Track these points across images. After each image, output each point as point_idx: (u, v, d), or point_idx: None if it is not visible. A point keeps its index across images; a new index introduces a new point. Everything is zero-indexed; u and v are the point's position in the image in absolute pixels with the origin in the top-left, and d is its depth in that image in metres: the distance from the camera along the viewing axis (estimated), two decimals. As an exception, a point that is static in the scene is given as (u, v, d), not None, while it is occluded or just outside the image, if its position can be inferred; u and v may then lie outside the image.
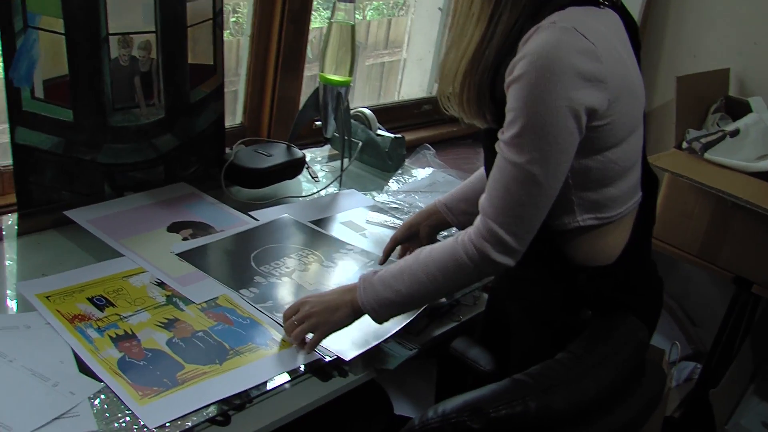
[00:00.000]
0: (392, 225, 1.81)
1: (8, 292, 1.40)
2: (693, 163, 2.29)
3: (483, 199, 1.18)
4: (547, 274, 1.30)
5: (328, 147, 2.20)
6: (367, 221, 1.82)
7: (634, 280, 1.30)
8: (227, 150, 1.92)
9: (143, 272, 1.44)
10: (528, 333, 1.34)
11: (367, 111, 2.14)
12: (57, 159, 1.61)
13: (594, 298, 1.26)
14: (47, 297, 1.32)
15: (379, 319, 1.28)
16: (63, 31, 1.54)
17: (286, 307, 1.34)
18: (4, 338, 1.20)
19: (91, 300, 1.33)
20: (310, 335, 1.30)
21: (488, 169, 1.22)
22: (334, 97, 1.87)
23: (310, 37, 2.13)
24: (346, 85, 1.88)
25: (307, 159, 1.99)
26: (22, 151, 1.56)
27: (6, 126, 1.54)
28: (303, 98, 2.14)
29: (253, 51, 2.03)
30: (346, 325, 1.29)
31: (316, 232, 1.72)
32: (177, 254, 1.53)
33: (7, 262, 1.51)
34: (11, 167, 1.59)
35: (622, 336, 1.22)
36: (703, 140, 2.31)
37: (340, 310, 1.28)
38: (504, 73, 1.13)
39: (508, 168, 1.13)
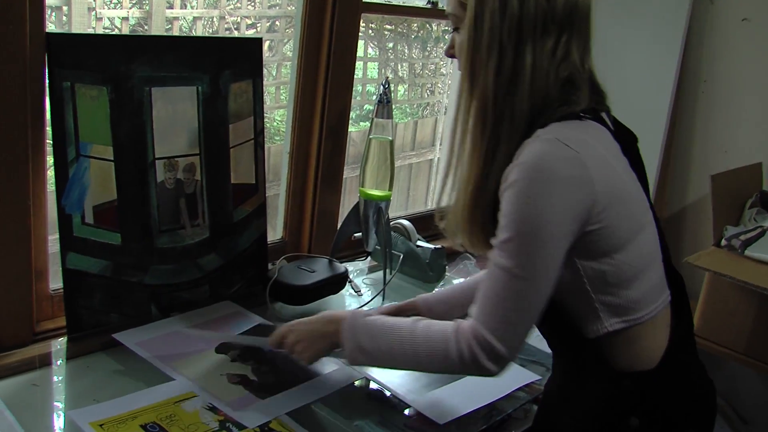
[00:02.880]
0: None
1: (58, 418, 1.41)
2: (733, 261, 2.29)
3: (475, 309, 1.20)
4: (593, 382, 1.28)
5: (368, 259, 2.22)
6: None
7: (682, 384, 1.28)
8: (270, 266, 1.94)
9: (194, 396, 1.44)
10: None
11: (406, 223, 2.16)
12: (105, 282, 1.63)
13: (640, 404, 1.24)
14: (101, 425, 1.32)
15: (352, 363, 1.34)
16: (112, 158, 1.59)
17: None
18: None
19: (144, 427, 1.32)
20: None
21: None
22: (375, 211, 1.90)
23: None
24: (387, 200, 1.90)
25: (349, 272, 2.00)
26: (72, 275, 1.58)
27: (56, 250, 1.58)
28: (342, 209, 2.17)
29: (292, 167, 2.07)
30: (327, 355, 1.40)
31: None
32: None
33: (57, 387, 1.52)
34: (61, 291, 1.61)
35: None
36: (742, 237, 2.31)
37: (324, 341, 1.37)
38: None
39: (497, 273, 1.16)
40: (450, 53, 1.28)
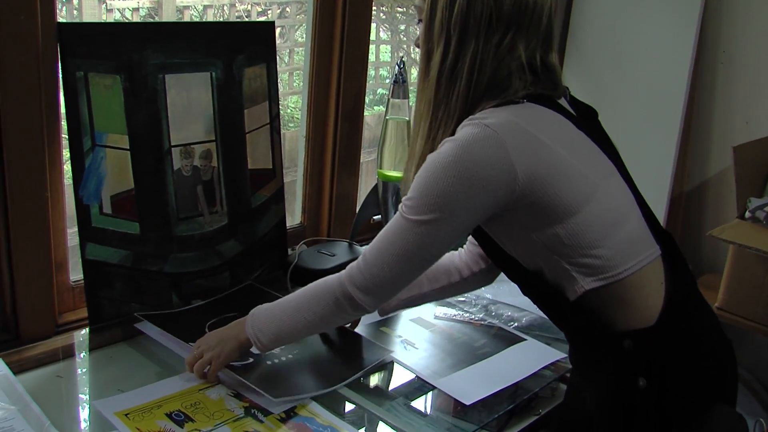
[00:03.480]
0: (461, 319, 1.79)
1: (85, 410, 1.40)
2: (758, 233, 2.25)
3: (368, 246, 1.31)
4: (597, 346, 1.30)
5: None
6: (435, 317, 1.80)
7: (688, 342, 1.27)
8: (289, 251, 1.93)
9: (219, 384, 1.43)
10: (604, 419, 1.30)
11: (424, 203, 2.14)
12: (125, 272, 1.62)
13: (645, 364, 1.24)
14: (126, 415, 1.31)
15: (261, 349, 1.41)
16: (128, 147, 1.58)
17: None
18: (86, 460, 1.19)
19: (169, 416, 1.32)
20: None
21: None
22: (393, 193, 1.88)
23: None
24: (405, 180, 1.89)
25: (369, 255, 1.98)
26: (92, 266, 1.58)
27: (76, 242, 1.57)
28: (360, 193, 2.16)
29: (309, 152, 2.05)
30: (236, 357, 1.43)
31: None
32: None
33: (81, 378, 1.52)
34: (82, 282, 1.61)
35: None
36: (767, 209, 2.27)
37: (229, 343, 1.41)
38: None
39: (397, 217, 1.26)
40: (416, 43, 1.37)
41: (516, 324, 1.78)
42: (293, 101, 3.90)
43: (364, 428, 1.38)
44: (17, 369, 1.44)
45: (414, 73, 3.59)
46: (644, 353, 1.24)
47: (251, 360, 1.49)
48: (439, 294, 1.62)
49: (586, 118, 1.35)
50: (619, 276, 1.23)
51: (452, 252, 1.61)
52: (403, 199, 1.26)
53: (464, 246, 1.60)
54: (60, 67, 1.49)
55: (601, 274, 1.23)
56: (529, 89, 1.25)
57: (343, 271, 1.34)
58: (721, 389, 1.30)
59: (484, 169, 1.17)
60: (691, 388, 1.26)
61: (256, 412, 1.35)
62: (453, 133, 1.23)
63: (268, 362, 1.50)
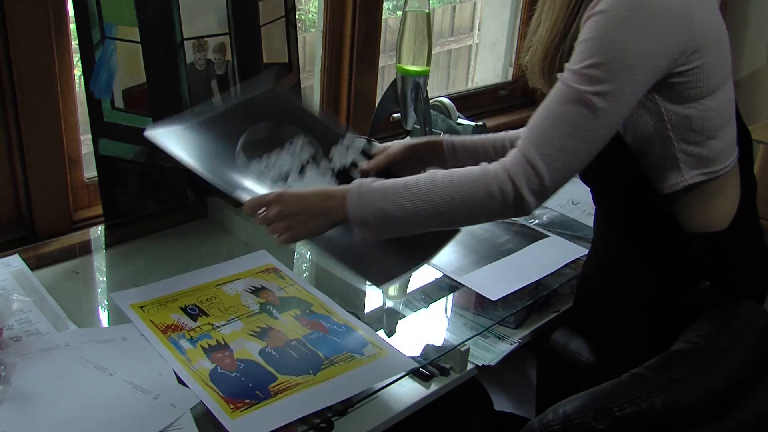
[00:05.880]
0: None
1: (102, 304, 1.40)
2: (790, 133, 2.19)
3: (527, 129, 1.08)
4: (658, 249, 1.23)
5: (408, 139, 2.15)
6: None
7: (748, 246, 1.24)
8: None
9: (237, 279, 1.41)
10: (641, 319, 1.27)
11: (446, 100, 2.08)
12: (140, 168, 1.60)
13: (711, 267, 1.19)
14: (141, 307, 1.31)
15: (366, 235, 1.11)
16: (139, 40, 1.54)
17: None
18: (103, 351, 1.19)
19: (184, 309, 1.31)
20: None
21: None
22: (413, 88, 1.83)
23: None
24: (425, 75, 1.83)
25: (388, 153, 1.94)
26: (105, 162, 1.56)
27: (89, 137, 1.55)
28: (379, 90, 2.10)
29: (326, 47, 1.99)
30: (320, 234, 1.15)
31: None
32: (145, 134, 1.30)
33: (98, 274, 1.51)
34: (96, 179, 1.59)
35: (744, 322, 1.15)
36: (800, 108, 2.20)
37: (317, 218, 1.13)
38: None
39: (567, 94, 1.05)
40: None
41: (536, 221, 1.74)
42: (314, 5, 3.79)
43: (382, 327, 1.37)
44: (34, 265, 1.44)
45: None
46: (712, 256, 1.19)
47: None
48: None
49: None
50: (719, 173, 1.16)
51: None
52: (574, 65, 1.06)
53: None
54: (65, -45, 1.44)
55: (707, 168, 1.15)
56: None
57: (498, 163, 1.09)
58: (762, 293, 1.28)
59: (668, 25, 1.03)
60: (748, 291, 1.23)
61: (271, 308, 1.34)
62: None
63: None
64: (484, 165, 1.09)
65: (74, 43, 1.52)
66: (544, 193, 1.07)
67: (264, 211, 1.13)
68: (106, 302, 1.40)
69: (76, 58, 1.54)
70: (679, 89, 1.10)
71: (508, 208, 1.07)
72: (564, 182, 1.08)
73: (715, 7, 1.12)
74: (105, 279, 1.51)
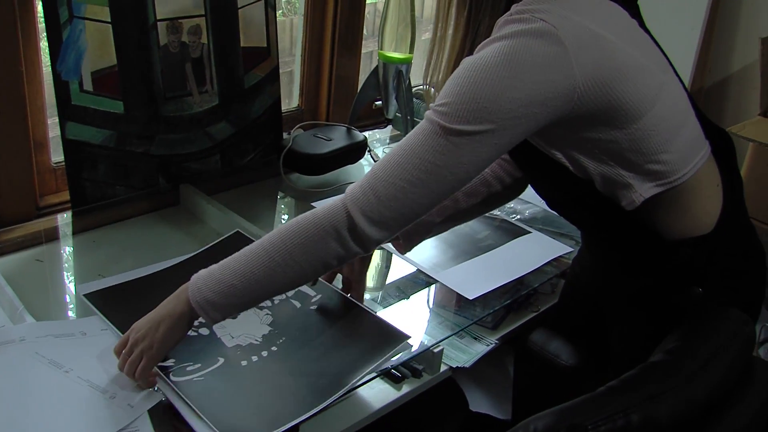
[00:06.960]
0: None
1: (65, 294, 1.35)
2: (781, 131, 2.14)
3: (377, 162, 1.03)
4: (652, 257, 1.19)
5: (389, 128, 2.11)
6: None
7: (739, 246, 1.20)
8: (285, 135, 1.84)
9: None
10: (634, 323, 1.23)
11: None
12: (109, 153, 1.54)
13: (703, 271, 1.16)
14: (103, 300, 1.26)
15: (215, 316, 1.04)
16: (109, 20, 1.48)
17: None
18: (60, 347, 1.14)
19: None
20: None
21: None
22: (394, 75, 1.78)
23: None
24: (407, 63, 1.78)
25: (369, 141, 1.89)
26: (73, 146, 1.50)
27: (56, 120, 1.49)
28: (361, 77, 2.04)
29: (307, 31, 1.94)
30: (177, 339, 1.07)
31: None
32: (84, 296, 1.27)
33: (63, 262, 1.46)
34: (63, 164, 1.53)
35: (727, 332, 1.10)
36: (792, 105, 2.16)
37: (165, 323, 1.06)
38: None
39: (425, 127, 0.99)
40: None
41: (518, 216, 1.70)
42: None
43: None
44: (-5, 252, 1.39)
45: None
46: (702, 261, 1.15)
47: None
48: (480, 208, 1.40)
49: (629, 4, 1.15)
50: (681, 179, 1.11)
51: None
52: (435, 104, 1.00)
53: None
54: (31, -72, 1.38)
55: (661, 179, 1.10)
56: None
57: (338, 197, 1.04)
58: (761, 294, 1.24)
59: (540, 72, 0.97)
60: (739, 294, 1.20)
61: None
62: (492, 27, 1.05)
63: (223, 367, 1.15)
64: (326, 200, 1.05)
65: (41, 22, 1.46)
66: (384, 223, 1.01)
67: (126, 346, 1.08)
68: (71, 293, 1.35)
69: (43, 38, 1.48)
70: (600, 125, 1.05)
71: (344, 240, 1.02)
72: (410, 215, 1.03)
73: (609, 41, 1.04)
74: (70, 267, 1.46)
